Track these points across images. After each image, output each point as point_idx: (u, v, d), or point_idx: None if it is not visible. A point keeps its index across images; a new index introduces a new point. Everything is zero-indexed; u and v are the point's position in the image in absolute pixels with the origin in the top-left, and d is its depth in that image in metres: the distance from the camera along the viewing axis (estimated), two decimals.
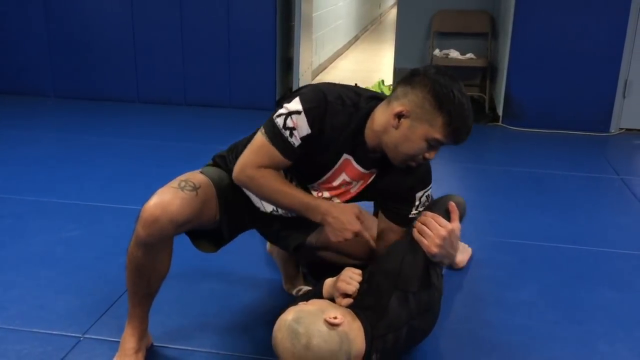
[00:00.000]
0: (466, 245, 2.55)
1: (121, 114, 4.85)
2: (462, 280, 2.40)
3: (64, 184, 3.30)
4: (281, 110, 1.68)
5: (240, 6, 4.86)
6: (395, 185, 1.80)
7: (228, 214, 1.84)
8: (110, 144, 4.05)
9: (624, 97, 4.51)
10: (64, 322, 2.02)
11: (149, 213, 1.64)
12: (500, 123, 4.72)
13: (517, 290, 2.32)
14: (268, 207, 1.89)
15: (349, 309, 1.65)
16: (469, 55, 5.11)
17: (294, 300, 1.77)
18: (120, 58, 5.08)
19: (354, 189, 1.83)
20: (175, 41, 4.98)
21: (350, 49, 8.91)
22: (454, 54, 5.12)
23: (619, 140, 4.46)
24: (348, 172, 1.78)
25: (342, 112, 1.68)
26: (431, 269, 1.75)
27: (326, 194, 1.83)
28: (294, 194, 1.73)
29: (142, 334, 1.82)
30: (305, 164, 1.76)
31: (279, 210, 1.89)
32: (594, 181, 3.61)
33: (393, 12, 9.87)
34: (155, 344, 1.90)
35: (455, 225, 1.72)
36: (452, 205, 1.75)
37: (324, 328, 1.52)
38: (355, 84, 5.37)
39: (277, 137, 1.67)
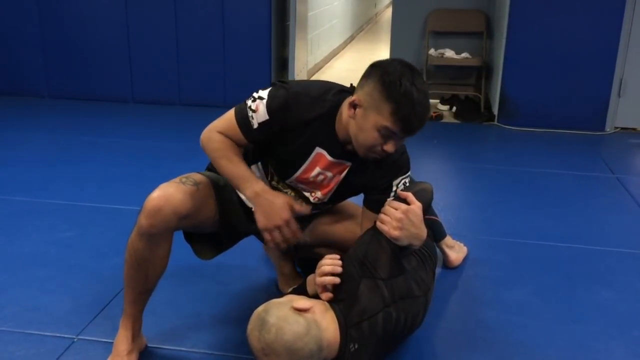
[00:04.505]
0: (461, 244, 2.54)
1: (115, 114, 4.84)
2: (457, 279, 2.40)
3: (58, 184, 3.29)
4: (254, 93, 1.76)
5: (235, 5, 4.85)
6: (373, 177, 1.83)
7: (226, 215, 1.87)
8: (104, 144, 4.03)
9: (619, 96, 4.52)
10: (58, 323, 2.01)
11: (153, 204, 1.67)
12: (495, 122, 4.72)
13: (513, 289, 2.32)
14: None
15: (322, 301, 1.67)
16: (464, 54, 5.11)
17: None
18: (114, 58, 5.07)
19: (333, 182, 1.85)
20: (169, 41, 4.97)
21: (345, 48, 8.91)
22: (449, 53, 5.12)
23: (614, 139, 4.47)
24: (322, 165, 1.81)
25: (308, 104, 1.72)
26: (404, 257, 1.76)
27: (306, 189, 1.86)
28: (239, 165, 1.76)
29: (136, 334, 1.82)
30: (280, 157, 1.81)
31: None
32: (589, 180, 3.62)
33: (388, 12, 9.89)
34: (148, 344, 1.89)
35: (412, 205, 1.74)
36: (401, 192, 1.80)
37: (290, 313, 1.56)
38: (351, 84, 5.41)
39: (242, 113, 1.75)
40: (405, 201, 1.76)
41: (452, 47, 5.16)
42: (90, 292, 2.20)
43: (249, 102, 1.75)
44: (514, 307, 2.19)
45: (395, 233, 1.71)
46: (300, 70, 5.41)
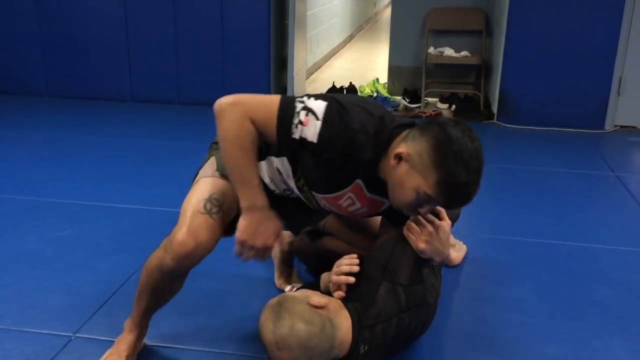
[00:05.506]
0: (461, 243, 2.54)
1: (114, 113, 4.83)
2: (457, 277, 2.39)
3: (56, 183, 3.28)
4: (306, 100, 1.57)
5: (234, 4, 4.84)
6: None
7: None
8: (103, 143, 4.02)
9: (618, 94, 4.51)
10: (55, 321, 2.00)
11: (181, 245, 1.59)
12: (495, 120, 4.72)
13: (512, 287, 2.32)
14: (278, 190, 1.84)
15: (337, 299, 1.66)
16: (464, 53, 5.10)
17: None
18: (113, 57, 5.06)
19: (360, 211, 1.77)
20: (168, 40, 4.96)
21: (345, 47, 8.90)
22: (449, 51, 5.11)
23: (613, 138, 4.46)
24: (354, 192, 1.71)
25: (363, 145, 1.56)
26: (424, 267, 1.76)
27: (327, 207, 1.80)
28: (252, 171, 1.57)
29: (138, 341, 1.82)
30: (320, 178, 1.68)
31: (289, 191, 1.84)
32: (588, 178, 3.61)
33: (388, 11, 9.87)
34: (147, 343, 1.89)
35: (444, 222, 1.73)
36: (438, 207, 1.75)
37: (305, 309, 1.54)
38: (350, 83, 5.40)
39: (286, 115, 1.55)
40: (437, 215, 1.74)
41: (451, 45, 5.15)
42: (88, 290, 2.19)
43: (299, 108, 1.55)
44: (513, 305, 2.19)
45: (422, 246, 1.70)
46: (299, 69, 5.40)
